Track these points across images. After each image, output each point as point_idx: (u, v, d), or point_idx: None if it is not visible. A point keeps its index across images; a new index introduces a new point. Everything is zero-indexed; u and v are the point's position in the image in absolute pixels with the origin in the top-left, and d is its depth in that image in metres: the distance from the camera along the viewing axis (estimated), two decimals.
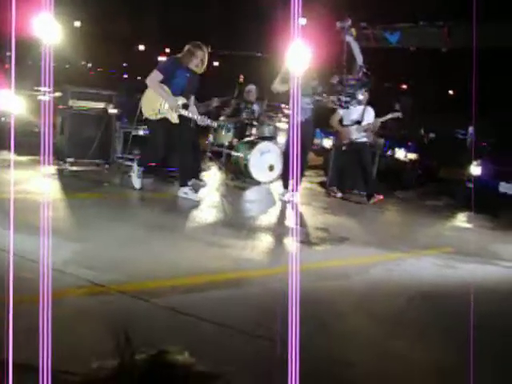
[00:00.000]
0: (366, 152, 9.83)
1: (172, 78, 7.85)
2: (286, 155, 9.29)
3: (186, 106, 7.97)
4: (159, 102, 7.82)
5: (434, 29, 12.50)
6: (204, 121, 8.19)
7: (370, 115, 9.84)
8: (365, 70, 12.07)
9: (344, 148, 9.77)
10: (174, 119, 7.84)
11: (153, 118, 7.91)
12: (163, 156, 8.46)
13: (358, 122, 9.72)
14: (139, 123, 9.23)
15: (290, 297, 4.31)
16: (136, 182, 8.04)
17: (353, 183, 10.30)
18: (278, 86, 9.36)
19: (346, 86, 11.57)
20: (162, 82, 7.81)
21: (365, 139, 9.74)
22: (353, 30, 12.30)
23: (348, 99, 11.42)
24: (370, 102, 9.97)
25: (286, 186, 9.02)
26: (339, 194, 9.69)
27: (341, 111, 9.76)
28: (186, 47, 8.02)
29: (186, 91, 7.97)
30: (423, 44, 13.30)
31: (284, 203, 8.79)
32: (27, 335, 3.16)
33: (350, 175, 10.10)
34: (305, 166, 9.49)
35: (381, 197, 9.56)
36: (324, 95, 10.38)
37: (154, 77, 7.82)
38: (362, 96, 11.56)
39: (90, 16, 29.91)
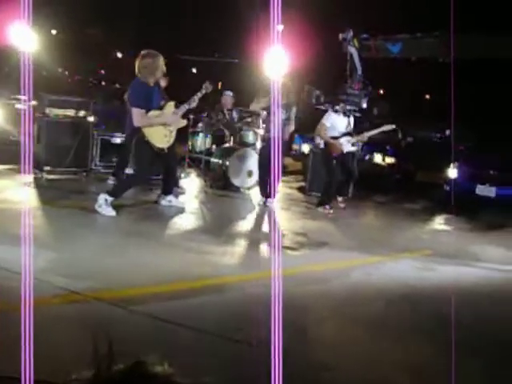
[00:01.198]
0: (355, 161, 9.74)
1: (150, 102, 7.43)
2: (260, 164, 9.37)
3: (177, 107, 7.84)
4: (163, 127, 7.50)
5: (431, 39, 12.73)
6: (193, 102, 7.92)
7: (352, 123, 9.74)
8: (363, 79, 12.38)
9: (334, 162, 9.55)
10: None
11: (168, 144, 7.58)
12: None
13: (348, 133, 9.56)
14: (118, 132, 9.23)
15: (270, 302, 4.32)
16: (109, 210, 7.21)
17: (337, 190, 10.26)
18: (255, 107, 9.48)
19: (351, 95, 11.82)
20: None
21: (354, 149, 9.61)
22: (355, 41, 12.59)
23: (353, 107, 11.65)
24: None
25: (262, 194, 9.13)
26: (331, 211, 9.29)
27: (327, 123, 9.54)
28: (143, 63, 7.45)
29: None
30: (422, 54, 13.46)
31: (263, 209, 8.84)
32: (7, 346, 3.13)
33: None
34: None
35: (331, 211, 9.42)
36: (326, 105, 10.47)
37: (139, 115, 7.33)
38: (365, 104, 11.74)
39: (67, 24, 29.74)
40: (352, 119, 9.73)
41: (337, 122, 9.55)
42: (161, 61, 7.51)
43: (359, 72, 12.63)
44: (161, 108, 7.55)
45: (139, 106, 7.34)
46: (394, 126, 9.77)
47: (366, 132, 9.77)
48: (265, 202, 9.06)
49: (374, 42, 13.39)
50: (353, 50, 12.60)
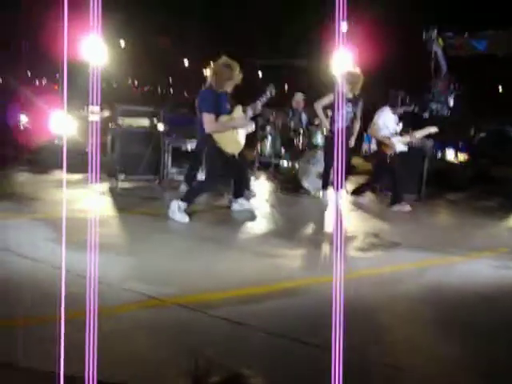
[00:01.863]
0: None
1: (219, 108, 7.50)
2: (324, 160, 9.69)
3: (244, 111, 7.92)
4: (233, 133, 7.55)
5: None
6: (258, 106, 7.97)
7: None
8: (449, 77, 12.31)
9: (388, 161, 9.51)
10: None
11: (239, 149, 7.67)
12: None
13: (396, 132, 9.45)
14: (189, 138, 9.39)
15: (345, 305, 4.30)
16: (182, 216, 7.30)
17: (404, 188, 10.15)
18: (317, 105, 9.52)
19: (436, 93, 11.82)
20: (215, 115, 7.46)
21: (405, 149, 9.47)
22: (440, 40, 12.58)
23: (440, 106, 11.67)
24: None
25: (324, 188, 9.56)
26: (407, 207, 9.28)
27: (380, 121, 9.42)
28: (215, 73, 7.57)
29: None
30: (509, 50, 13.24)
31: (334, 210, 8.84)
32: (84, 350, 3.24)
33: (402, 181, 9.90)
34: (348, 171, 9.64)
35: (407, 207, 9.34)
36: (412, 105, 10.49)
37: (210, 121, 7.41)
38: (452, 102, 11.67)
39: (135, 33, 30.39)
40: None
41: (389, 121, 9.45)
42: (237, 72, 7.61)
43: (445, 70, 12.61)
44: (229, 113, 7.64)
45: (209, 111, 7.43)
46: (436, 129, 9.56)
47: (416, 132, 9.61)
48: (323, 195, 9.49)
49: (459, 39, 13.31)
50: (437, 49, 12.63)
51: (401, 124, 9.61)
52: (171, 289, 4.74)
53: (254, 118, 8.43)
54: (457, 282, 5.58)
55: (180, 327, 4.04)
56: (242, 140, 7.68)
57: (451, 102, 12.55)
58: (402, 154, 9.61)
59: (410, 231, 7.93)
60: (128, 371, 3.35)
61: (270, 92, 8.06)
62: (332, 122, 9.42)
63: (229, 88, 7.64)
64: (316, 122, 11.11)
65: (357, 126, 9.61)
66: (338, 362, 3.36)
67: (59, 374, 2.90)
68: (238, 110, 7.74)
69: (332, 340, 3.67)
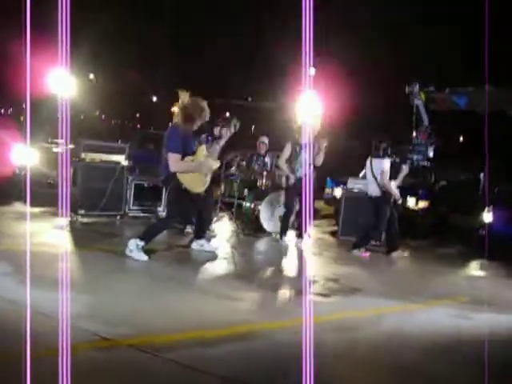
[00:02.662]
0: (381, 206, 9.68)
1: (186, 148, 7.45)
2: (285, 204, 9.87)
3: (208, 148, 7.89)
4: (199, 174, 7.52)
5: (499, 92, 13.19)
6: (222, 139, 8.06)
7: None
8: (430, 130, 12.85)
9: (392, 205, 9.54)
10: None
11: (205, 187, 7.62)
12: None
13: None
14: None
15: (301, 350, 4.28)
16: (141, 255, 7.23)
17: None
18: (280, 162, 9.68)
19: (417, 145, 12.34)
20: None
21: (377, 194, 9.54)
22: (421, 94, 13.18)
23: (420, 157, 12.12)
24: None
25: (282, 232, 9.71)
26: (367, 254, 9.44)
27: (386, 169, 9.44)
28: (185, 111, 7.53)
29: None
30: (490, 108, 13.72)
31: (294, 254, 8.86)
32: None
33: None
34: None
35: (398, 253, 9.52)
36: (394, 156, 10.70)
37: (176, 161, 7.32)
38: (432, 153, 12.11)
39: (104, 68, 30.44)
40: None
41: (388, 168, 9.49)
42: (205, 111, 7.60)
43: (425, 123, 13.32)
44: (194, 153, 7.59)
45: (175, 151, 7.36)
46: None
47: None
48: (281, 239, 9.63)
49: (440, 95, 13.88)
50: (419, 103, 13.34)
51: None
52: (126, 329, 4.65)
53: (219, 157, 8.45)
54: (415, 330, 5.60)
55: (130, 369, 3.97)
56: (208, 179, 7.64)
57: (430, 153, 13.06)
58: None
59: (371, 277, 7.96)
60: None
61: (234, 124, 8.11)
62: (292, 171, 9.58)
63: (195, 126, 7.63)
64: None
65: (320, 160, 9.60)
66: None
67: None
68: (202, 150, 7.70)
69: None
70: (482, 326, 5.99)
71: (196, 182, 7.49)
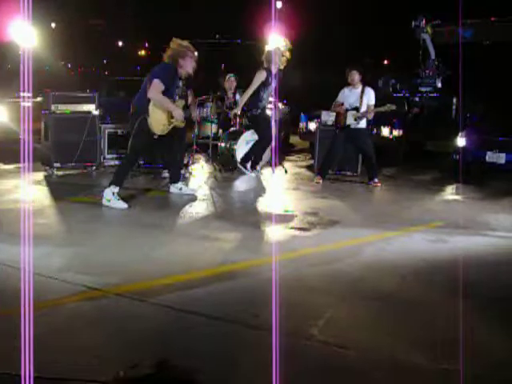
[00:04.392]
0: (366, 138, 9.82)
1: (170, 87, 7.43)
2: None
3: (185, 107, 7.92)
4: (166, 116, 7.45)
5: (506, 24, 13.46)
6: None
7: (370, 96, 9.67)
8: (437, 62, 13.04)
9: (337, 131, 9.77)
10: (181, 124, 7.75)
11: (162, 133, 7.50)
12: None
13: (356, 108, 9.60)
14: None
15: (283, 285, 4.39)
16: (120, 203, 7.27)
17: (343, 165, 10.35)
18: (243, 98, 9.75)
19: (425, 77, 12.62)
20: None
21: (362, 125, 9.66)
22: (428, 28, 13.32)
23: (429, 89, 12.36)
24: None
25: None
26: (320, 181, 9.73)
27: (340, 99, 9.74)
28: (183, 50, 7.53)
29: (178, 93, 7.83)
30: (495, 38, 14.08)
31: (272, 190, 8.94)
32: (30, 343, 3.20)
33: (341, 157, 10.10)
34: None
35: (379, 184, 9.66)
36: (403, 91, 11.06)
37: (158, 89, 7.25)
38: (440, 84, 12.38)
39: (66, 16, 29.69)
40: (368, 93, 9.71)
41: (347, 97, 9.71)
42: (194, 57, 7.62)
43: (432, 57, 13.47)
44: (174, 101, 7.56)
45: (162, 81, 7.26)
46: (394, 107, 9.81)
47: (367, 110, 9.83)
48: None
49: (446, 27, 14.06)
50: (426, 36, 13.50)
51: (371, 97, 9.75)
52: (112, 278, 4.71)
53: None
54: (394, 257, 5.72)
55: (121, 318, 4.03)
56: (169, 128, 7.53)
57: (439, 84, 13.40)
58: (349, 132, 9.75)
59: (349, 208, 8.06)
60: (68, 365, 3.32)
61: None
62: (258, 100, 9.71)
63: (187, 71, 7.62)
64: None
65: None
66: (276, 343, 3.42)
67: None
68: (180, 103, 7.71)
69: (274, 321, 3.74)
70: (459, 248, 6.13)
71: (158, 123, 7.40)
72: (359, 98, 9.59)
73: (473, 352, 3.59)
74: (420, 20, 13.80)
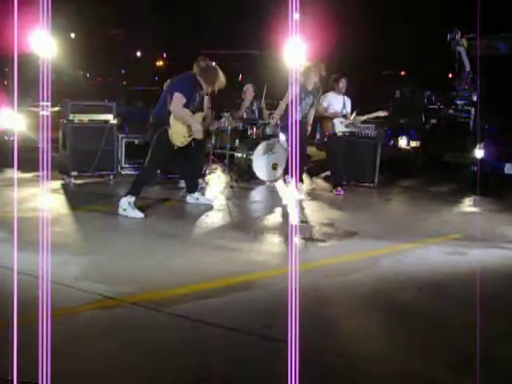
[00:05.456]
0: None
1: (191, 99, 7.49)
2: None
3: (204, 119, 8.01)
4: (187, 128, 7.49)
5: None
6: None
7: (348, 105, 10.12)
8: (471, 75, 13.15)
9: (325, 139, 10.12)
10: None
11: (185, 143, 7.59)
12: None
13: (343, 115, 9.93)
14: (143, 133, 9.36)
15: (298, 296, 4.34)
16: (136, 213, 7.28)
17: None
18: (282, 105, 9.79)
19: (460, 90, 12.73)
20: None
21: (346, 130, 9.92)
22: (463, 41, 13.44)
23: (464, 102, 13.06)
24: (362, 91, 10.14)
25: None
26: (341, 192, 9.72)
27: (324, 103, 10.01)
28: (206, 70, 7.60)
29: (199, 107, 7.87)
30: None
31: (289, 201, 8.92)
32: (37, 354, 3.20)
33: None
34: (303, 162, 9.94)
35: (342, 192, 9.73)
36: (439, 104, 11.13)
37: (179, 102, 7.31)
38: (475, 98, 12.58)
39: (85, 26, 29.93)
40: (348, 101, 10.10)
41: (333, 102, 10.02)
42: (222, 78, 7.67)
43: (467, 69, 13.57)
44: (193, 112, 7.61)
45: (183, 93, 7.33)
46: (386, 113, 10.09)
47: (360, 116, 10.06)
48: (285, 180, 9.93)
49: (482, 41, 14.16)
50: (461, 49, 13.65)
51: (346, 107, 10.10)
52: (127, 287, 4.72)
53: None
54: (410, 269, 5.69)
55: (137, 327, 4.03)
56: (188, 140, 7.60)
57: (474, 98, 13.51)
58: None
59: (365, 219, 8.02)
60: (84, 376, 3.33)
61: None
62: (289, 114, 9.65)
63: (210, 89, 7.70)
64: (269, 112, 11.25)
65: (311, 116, 9.86)
66: (295, 354, 3.40)
67: (13, 381, 2.87)
68: (199, 116, 7.77)
69: (288, 333, 3.72)
70: (476, 261, 6.08)
71: (179, 135, 7.47)
72: (342, 106, 10.02)
73: (489, 366, 3.55)
74: (456, 33, 13.82)
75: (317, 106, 9.93)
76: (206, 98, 8.37)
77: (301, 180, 9.65)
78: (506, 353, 3.88)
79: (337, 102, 10.02)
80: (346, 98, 10.11)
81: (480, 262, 6.05)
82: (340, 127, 9.89)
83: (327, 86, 10.18)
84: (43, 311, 3.71)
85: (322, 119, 10.11)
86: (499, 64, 13.04)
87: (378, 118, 10.32)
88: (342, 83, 9.99)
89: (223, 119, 11.02)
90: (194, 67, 7.62)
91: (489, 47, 14.26)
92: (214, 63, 7.79)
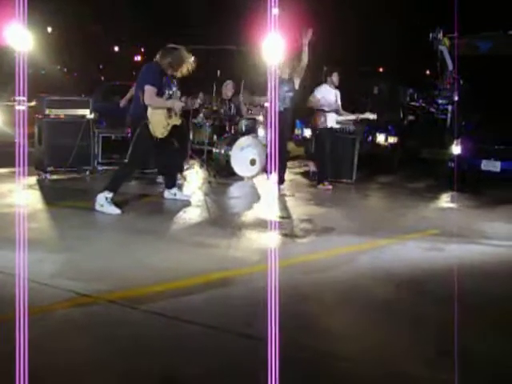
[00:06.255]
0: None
1: (162, 87, 7.44)
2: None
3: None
4: (164, 117, 7.46)
5: None
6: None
7: (339, 99, 10.16)
8: (454, 75, 13.19)
9: (317, 132, 10.05)
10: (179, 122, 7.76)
11: (163, 135, 7.50)
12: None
13: (336, 111, 9.90)
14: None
15: (277, 294, 4.33)
16: (113, 209, 7.20)
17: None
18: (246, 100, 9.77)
19: (442, 89, 12.74)
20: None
21: (336, 126, 9.97)
22: (445, 40, 13.48)
23: (445, 101, 12.93)
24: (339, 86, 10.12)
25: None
26: (329, 186, 9.77)
27: (319, 94, 9.98)
28: (175, 53, 7.51)
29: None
30: None
31: (267, 197, 8.90)
32: (13, 352, 3.15)
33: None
34: (285, 156, 9.83)
35: (330, 187, 9.75)
36: (420, 101, 11.09)
37: (152, 93, 7.27)
38: (457, 97, 12.60)
39: (62, 21, 29.64)
40: (339, 95, 10.15)
41: (326, 94, 10.03)
42: (190, 59, 7.57)
43: (450, 68, 13.68)
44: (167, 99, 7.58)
45: (152, 84, 7.29)
46: (375, 117, 10.14)
47: (348, 115, 10.21)
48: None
49: (463, 40, 14.21)
50: (443, 48, 13.66)
51: (338, 100, 10.15)
52: (103, 285, 4.65)
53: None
54: (388, 265, 5.68)
55: (112, 325, 3.97)
56: (169, 128, 7.55)
57: (455, 97, 13.54)
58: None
59: (344, 216, 8.03)
60: (57, 373, 3.27)
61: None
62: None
63: (178, 72, 7.59)
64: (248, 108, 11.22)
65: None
66: (274, 352, 3.37)
67: None
68: (175, 95, 7.73)
69: (268, 331, 3.69)
70: (454, 257, 6.09)
71: (159, 125, 7.41)
72: (335, 98, 10.06)
73: (467, 363, 3.55)
74: (438, 32, 13.90)
75: (310, 98, 9.97)
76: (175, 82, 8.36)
77: (281, 180, 9.55)
78: (484, 349, 3.88)
79: (330, 95, 10.05)
80: (337, 91, 10.15)
81: (458, 257, 6.07)
82: (332, 122, 9.91)
83: (314, 76, 10.21)
84: (19, 308, 3.65)
85: (314, 111, 10.05)
86: (479, 63, 13.06)
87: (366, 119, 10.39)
88: (335, 76, 10.03)
89: (201, 115, 10.97)
90: (157, 56, 7.57)
91: (469, 46, 14.34)
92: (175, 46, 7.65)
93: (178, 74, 7.61)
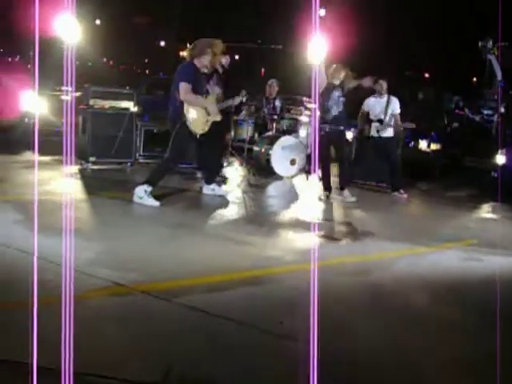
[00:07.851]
0: (393, 147, 9.83)
1: (197, 85, 7.50)
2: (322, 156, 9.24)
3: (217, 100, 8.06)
4: (202, 114, 7.51)
5: None
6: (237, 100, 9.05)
7: (395, 105, 9.78)
8: (503, 84, 13.05)
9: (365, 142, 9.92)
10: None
11: (203, 132, 7.56)
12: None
13: (380, 120, 9.70)
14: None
15: (311, 294, 4.29)
16: (152, 201, 7.28)
17: (380, 176, 10.26)
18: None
19: (488, 100, 12.62)
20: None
21: (389, 134, 9.69)
22: (495, 49, 13.34)
23: (490, 112, 12.35)
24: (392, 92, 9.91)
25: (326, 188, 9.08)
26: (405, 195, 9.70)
27: (365, 107, 9.90)
28: (196, 44, 7.63)
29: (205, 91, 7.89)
30: None
31: (305, 198, 8.86)
32: (52, 338, 3.18)
33: (375, 168, 10.09)
34: (344, 166, 9.50)
35: (404, 195, 9.57)
36: (466, 110, 11.04)
37: (186, 90, 7.32)
38: (503, 109, 12.45)
39: (110, 13, 30.01)
40: (394, 101, 9.84)
41: (372, 105, 9.88)
42: (217, 49, 7.68)
43: (499, 78, 13.44)
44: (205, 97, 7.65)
45: (187, 81, 7.33)
46: (414, 126, 9.98)
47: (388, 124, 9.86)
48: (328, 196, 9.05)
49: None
50: (492, 58, 13.47)
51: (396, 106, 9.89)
52: (139, 275, 4.68)
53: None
54: (425, 273, 5.61)
55: (145, 316, 3.98)
56: (208, 125, 7.58)
57: (502, 109, 13.35)
58: (375, 143, 9.78)
59: (382, 220, 7.95)
60: (90, 361, 3.29)
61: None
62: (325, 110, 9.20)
63: (205, 64, 7.64)
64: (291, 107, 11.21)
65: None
66: (313, 352, 3.34)
67: (32, 365, 2.83)
68: (212, 97, 7.81)
69: (300, 331, 3.66)
70: (493, 267, 5.98)
71: (197, 122, 7.46)
72: (384, 108, 9.69)
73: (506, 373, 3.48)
74: (487, 41, 13.66)
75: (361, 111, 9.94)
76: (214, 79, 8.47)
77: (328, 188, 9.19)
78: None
79: (378, 105, 9.79)
80: (392, 98, 9.79)
81: (497, 269, 5.95)
82: (373, 132, 9.76)
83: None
84: (64, 296, 3.68)
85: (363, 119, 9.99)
86: None
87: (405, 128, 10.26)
88: (380, 85, 9.77)
89: (243, 112, 10.97)
90: (186, 55, 7.69)
91: None
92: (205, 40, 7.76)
93: (204, 70, 7.74)
